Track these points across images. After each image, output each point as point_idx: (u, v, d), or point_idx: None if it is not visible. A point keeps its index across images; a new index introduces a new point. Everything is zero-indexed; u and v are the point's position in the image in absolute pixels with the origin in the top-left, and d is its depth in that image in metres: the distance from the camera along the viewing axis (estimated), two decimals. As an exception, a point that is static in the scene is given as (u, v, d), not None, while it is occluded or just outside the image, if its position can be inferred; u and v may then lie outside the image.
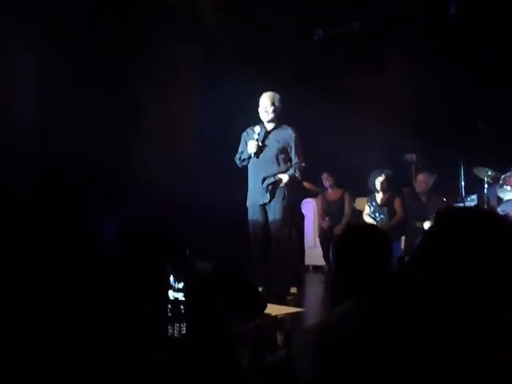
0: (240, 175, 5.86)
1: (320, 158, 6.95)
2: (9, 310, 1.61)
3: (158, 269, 1.72)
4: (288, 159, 5.59)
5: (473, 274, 1.19)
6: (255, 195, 5.57)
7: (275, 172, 5.52)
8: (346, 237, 2.32)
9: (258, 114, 5.62)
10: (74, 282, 1.64)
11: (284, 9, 7.06)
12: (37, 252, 3.15)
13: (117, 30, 6.22)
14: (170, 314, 1.60)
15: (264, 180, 5.50)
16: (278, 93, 5.63)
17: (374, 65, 8.44)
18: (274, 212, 5.48)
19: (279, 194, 5.51)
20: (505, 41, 7.31)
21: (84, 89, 5.90)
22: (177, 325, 1.60)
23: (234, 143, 5.86)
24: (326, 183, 7.58)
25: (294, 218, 6.30)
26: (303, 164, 5.63)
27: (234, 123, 6.46)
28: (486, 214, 1.22)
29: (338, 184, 7.57)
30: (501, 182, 6.87)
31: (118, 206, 5.23)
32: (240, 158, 5.66)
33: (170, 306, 1.62)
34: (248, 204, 5.63)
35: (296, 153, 5.58)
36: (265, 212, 5.55)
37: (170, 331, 1.60)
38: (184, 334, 1.59)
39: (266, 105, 5.54)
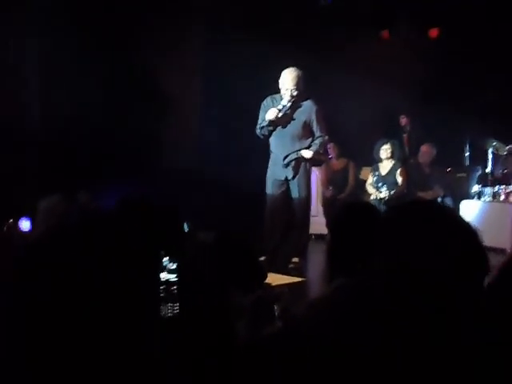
0: (250, 148, 5.85)
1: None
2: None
3: (151, 249, 1.73)
4: (310, 133, 5.53)
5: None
6: (277, 170, 5.55)
7: (298, 148, 5.48)
8: (342, 214, 2.36)
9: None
10: (63, 257, 1.64)
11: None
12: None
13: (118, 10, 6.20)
14: (162, 295, 1.63)
15: (286, 156, 5.48)
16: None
17: (379, 29, 8.36)
18: (299, 187, 5.50)
19: (303, 169, 5.52)
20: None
21: (87, 63, 5.88)
22: (170, 305, 1.62)
23: (242, 113, 5.79)
24: (332, 153, 7.57)
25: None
26: (326, 137, 5.62)
27: (237, 93, 6.41)
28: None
29: (342, 154, 7.57)
30: (506, 153, 6.83)
31: (121, 180, 5.25)
32: (260, 126, 5.56)
33: (162, 287, 1.64)
34: (268, 177, 5.61)
35: (318, 126, 5.51)
36: (286, 186, 5.54)
37: (163, 311, 1.62)
38: (177, 314, 1.62)
39: (288, 82, 5.40)
